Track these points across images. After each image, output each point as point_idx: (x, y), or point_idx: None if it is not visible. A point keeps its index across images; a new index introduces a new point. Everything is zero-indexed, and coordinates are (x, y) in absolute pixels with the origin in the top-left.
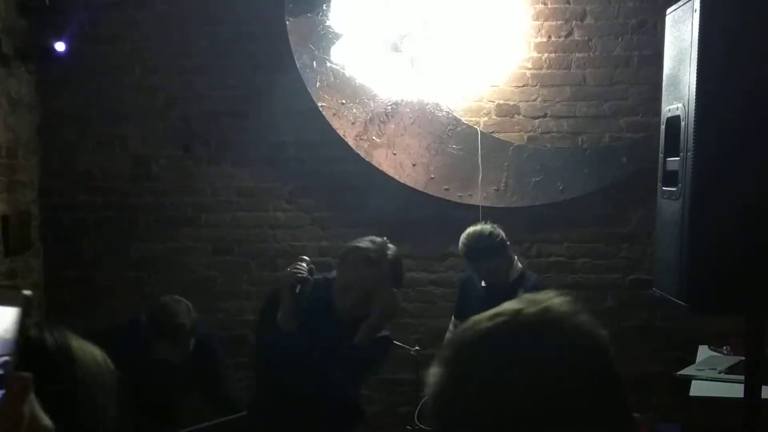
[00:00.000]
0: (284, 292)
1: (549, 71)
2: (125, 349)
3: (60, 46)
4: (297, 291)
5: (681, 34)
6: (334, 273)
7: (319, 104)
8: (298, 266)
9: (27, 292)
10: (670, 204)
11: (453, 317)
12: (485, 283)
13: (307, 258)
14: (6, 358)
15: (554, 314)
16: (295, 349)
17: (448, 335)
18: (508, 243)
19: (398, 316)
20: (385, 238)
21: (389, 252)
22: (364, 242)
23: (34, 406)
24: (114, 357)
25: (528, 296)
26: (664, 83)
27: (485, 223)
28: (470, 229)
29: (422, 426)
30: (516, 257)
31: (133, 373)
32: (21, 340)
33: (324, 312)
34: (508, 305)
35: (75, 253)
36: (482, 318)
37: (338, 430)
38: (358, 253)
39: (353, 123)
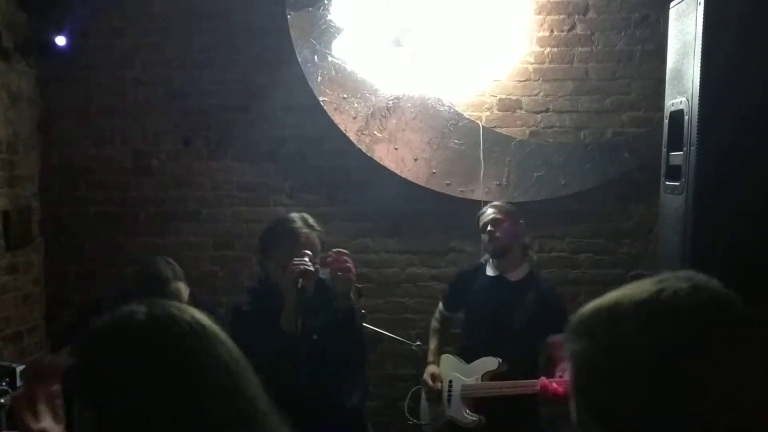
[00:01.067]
0: (287, 290)
1: (551, 66)
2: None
3: (60, 41)
4: (299, 285)
5: (685, 28)
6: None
7: (321, 99)
8: (297, 261)
9: None
10: (672, 198)
11: (442, 305)
12: (493, 273)
13: (310, 252)
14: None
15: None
16: (299, 350)
17: (434, 323)
18: (527, 239)
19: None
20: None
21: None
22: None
23: (55, 402)
24: None
25: (685, 274)
26: (667, 77)
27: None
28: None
29: (415, 420)
30: (532, 256)
31: None
32: None
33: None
34: (668, 280)
35: (76, 248)
36: (636, 291)
37: None
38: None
39: (354, 118)
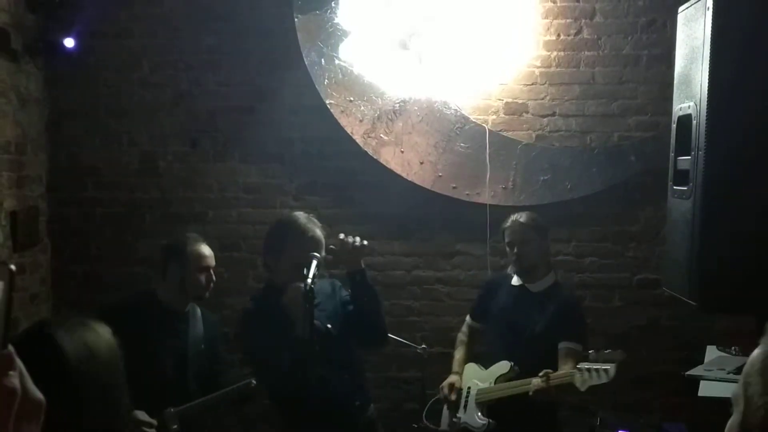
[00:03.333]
0: (292, 300)
1: (558, 69)
2: (143, 320)
3: (69, 42)
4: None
5: (693, 33)
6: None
7: (327, 101)
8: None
9: (11, 266)
10: (680, 203)
11: (468, 317)
12: (518, 282)
13: (317, 254)
14: None
15: None
16: (313, 355)
17: (461, 336)
18: (548, 237)
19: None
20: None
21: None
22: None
23: (25, 380)
24: (124, 331)
25: None
26: (675, 81)
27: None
28: (512, 215)
29: (429, 425)
30: (553, 269)
31: (144, 346)
32: (6, 313)
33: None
34: None
35: (82, 249)
36: None
37: None
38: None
39: (361, 120)
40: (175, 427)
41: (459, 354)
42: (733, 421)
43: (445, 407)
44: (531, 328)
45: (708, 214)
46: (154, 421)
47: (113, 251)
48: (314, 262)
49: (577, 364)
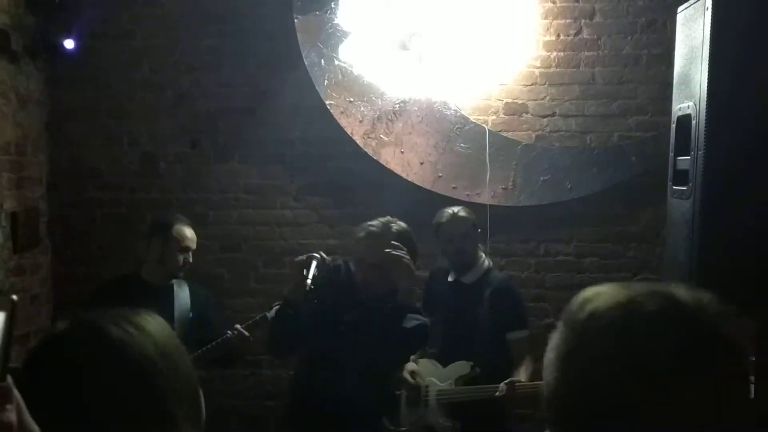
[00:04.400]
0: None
1: (558, 70)
2: (130, 297)
3: (69, 43)
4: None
5: (692, 32)
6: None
7: (327, 102)
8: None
9: (14, 297)
10: (680, 203)
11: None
12: (452, 277)
13: (318, 255)
14: None
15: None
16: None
17: None
18: (479, 230)
19: (414, 283)
20: (390, 217)
21: (394, 227)
22: (372, 221)
23: (22, 413)
24: (120, 303)
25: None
26: (675, 81)
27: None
28: (446, 209)
29: (390, 426)
30: (484, 255)
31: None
32: (8, 343)
33: (345, 291)
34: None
35: (83, 250)
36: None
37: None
38: (364, 230)
39: (361, 121)
40: None
41: None
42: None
43: (404, 404)
44: (476, 322)
45: (707, 214)
46: None
47: (114, 252)
48: (314, 263)
49: (530, 352)
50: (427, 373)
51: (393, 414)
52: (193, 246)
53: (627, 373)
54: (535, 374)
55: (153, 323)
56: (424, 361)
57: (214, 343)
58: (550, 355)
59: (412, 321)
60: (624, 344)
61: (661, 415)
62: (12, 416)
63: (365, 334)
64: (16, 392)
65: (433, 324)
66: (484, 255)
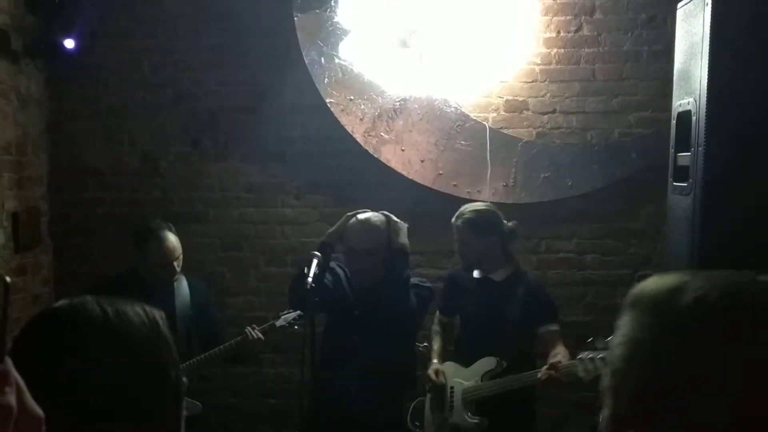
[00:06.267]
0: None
1: (558, 67)
2: (128, 292)
3: (69, 43)
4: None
5: (692, 29)
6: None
7: (328, 100)
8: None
9: (7, 278)
10: (680, 199)
11: (438, 312)
12: (479, 275)
13: (318, 254)
14: None
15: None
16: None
17: (435, 328)
18: (504, 232)
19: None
20: (382, 212)
21: (382, 217)
22: (353, 213)
23: (23, 395)
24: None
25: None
26: (674, 78)
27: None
28: (468, 205)
29: (413, 427)
30: (515, 255)
31: None
32: (3, 325)
33: (342, 284)
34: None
35: (84, 249)
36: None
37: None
38: (350, 220)
39: (361, 119)
40: None
41: (437, 344)
42: (604, 416)
43: (428, 408)
44: (504, 317)
45: (708, 210)
46: None
47: (115, 251)
48: (314, 261)
49: (562, 344)
50: (451, 374)
51: (418, 417)
52: (176, 255)
53: (730, 360)
54: (571, 358)
55: (141, 315)
56: (447, 364)
57: (229, 343)
58: (624, 344)
59: (415, 286)
60: (734, 332)
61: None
62: (12, 399)
63: (380, 317)
64: (16, 374)
65: (461, 323)
66: (515, 256)
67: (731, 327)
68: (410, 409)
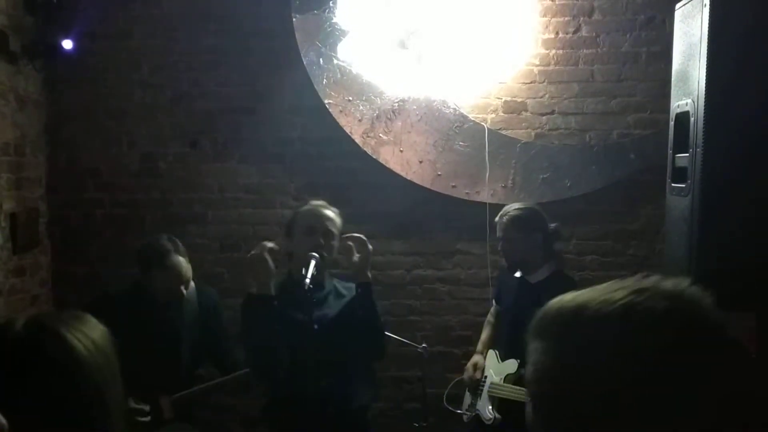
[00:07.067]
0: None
1: (556, 68)
2: (133, 310)
3: (67, 44)
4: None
5: (690, 30)
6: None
7: (326, 101)
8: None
9: None
10: (679, 200)
11: (494, 302)
12: (519, 274)
13: (317, 255)
14: None
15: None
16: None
17: (489, 317)
18: (542, 230)
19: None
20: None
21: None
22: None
23: None
24: (122, 319)
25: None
26: (673, 79)
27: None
28: (512, 204)
29: (449, 407)
30: (554, 259)
31: (143, 332)
32: None
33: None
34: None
35: (83, 250)
36: (606, 296)
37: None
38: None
39: (360, 120)
40: (171, 415)
41: (485, 335)
42: (527, 411)
43: (467, 390)
44: (531, 321)
45: (706, 211)
46: (146, 407)
47: (114, 252)
48: (312, 262)
49: None
50: (490, 364)
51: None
52: (188, 275)
53: (631, 372)
54: None
55: (97, 332)
56: (491, 352)
57: (230, 376)
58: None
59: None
60: (628, 343)
61: (661, 414)
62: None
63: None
64: None
65: (502, 315)
66: (555, 257)
67: (622, 338)
68: (446, 390)
